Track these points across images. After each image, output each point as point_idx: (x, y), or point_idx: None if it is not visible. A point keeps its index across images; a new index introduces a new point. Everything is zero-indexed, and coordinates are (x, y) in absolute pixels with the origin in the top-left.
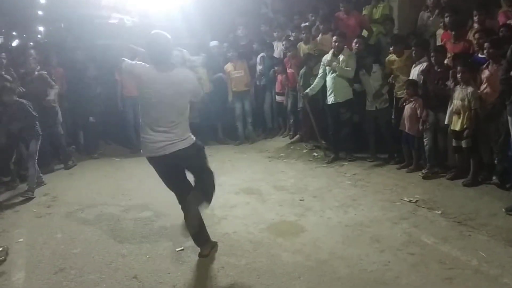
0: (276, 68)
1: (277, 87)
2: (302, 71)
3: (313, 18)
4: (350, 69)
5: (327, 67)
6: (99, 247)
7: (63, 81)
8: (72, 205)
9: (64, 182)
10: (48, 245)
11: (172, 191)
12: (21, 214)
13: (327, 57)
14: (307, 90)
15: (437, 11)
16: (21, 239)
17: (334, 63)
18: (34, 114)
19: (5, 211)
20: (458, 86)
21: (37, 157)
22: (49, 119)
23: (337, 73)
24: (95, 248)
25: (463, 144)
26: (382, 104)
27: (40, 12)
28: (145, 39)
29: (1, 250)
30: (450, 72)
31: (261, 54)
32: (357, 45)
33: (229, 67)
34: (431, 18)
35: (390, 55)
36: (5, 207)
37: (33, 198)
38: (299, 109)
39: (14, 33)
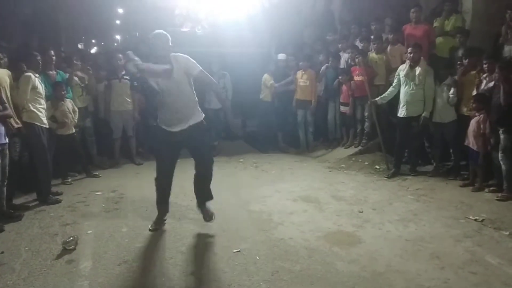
0: (340, 77)
1: (342, 97)
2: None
3: (375, 27)
4: (431, 90)
5: (402, 78)
6: (160, 243)
7: None
8: (137, 203)
9: (132, 181)
10: (114, 238)
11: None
12: (91, 208)
13: (403, 68)
14: (377, 98)
15: None
16: (90, 231)
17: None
18: None
19: (76, 204)
20: None
21: None
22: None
23: (411, 88)
24: (157, 244)
25: None
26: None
27: (118, 22)
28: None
29: (71, 240)
30: None
31: (325, 65)
32: (411, 54)
33: (298, 74)
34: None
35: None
36: (76, 201)
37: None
38: (366, 118)
39: (93, 40)
